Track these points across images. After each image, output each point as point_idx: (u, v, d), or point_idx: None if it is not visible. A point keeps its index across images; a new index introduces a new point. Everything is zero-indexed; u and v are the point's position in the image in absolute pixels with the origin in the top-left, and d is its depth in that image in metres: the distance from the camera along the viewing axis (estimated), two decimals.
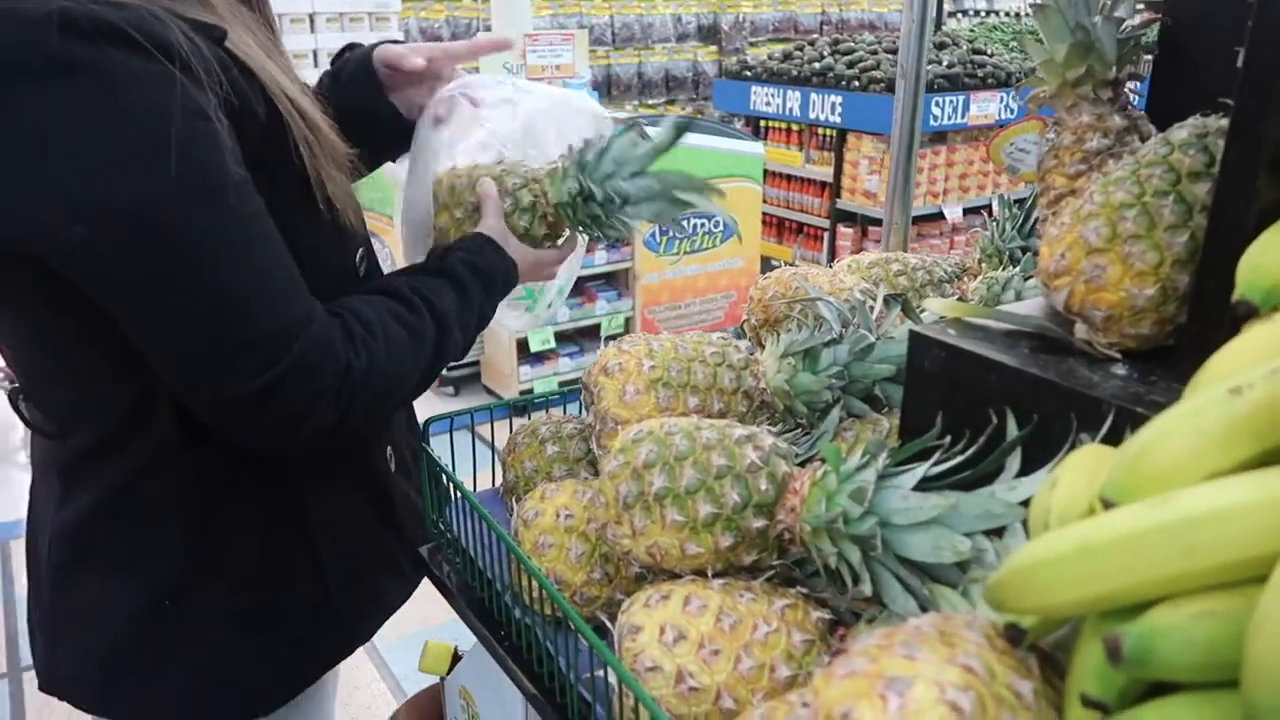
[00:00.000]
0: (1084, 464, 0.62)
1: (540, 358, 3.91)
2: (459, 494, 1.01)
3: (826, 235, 4.92)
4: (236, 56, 0.85)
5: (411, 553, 1.16)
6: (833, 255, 4.86)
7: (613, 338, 1.06)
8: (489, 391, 4.14)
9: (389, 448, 1.16)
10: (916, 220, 4.79)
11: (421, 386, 1.01)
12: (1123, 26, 0.99)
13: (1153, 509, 0.49)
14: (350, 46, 1.23)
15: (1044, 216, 1.01)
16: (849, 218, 4.88)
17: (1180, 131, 0.84)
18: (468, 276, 1.03)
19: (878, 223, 4.50)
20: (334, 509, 1.06)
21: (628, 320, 4.01)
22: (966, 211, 4.78)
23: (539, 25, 5.69)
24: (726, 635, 0.75)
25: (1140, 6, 1.05)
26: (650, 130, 1.10)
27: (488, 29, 5.16)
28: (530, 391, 3.80)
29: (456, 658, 1.22)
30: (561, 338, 3.96)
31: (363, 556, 1.09)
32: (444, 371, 4.05)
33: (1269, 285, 0.68)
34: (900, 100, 1.68)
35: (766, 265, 4.55)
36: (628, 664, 0.75)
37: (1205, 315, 0.77)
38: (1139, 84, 1.04)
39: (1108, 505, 0.53)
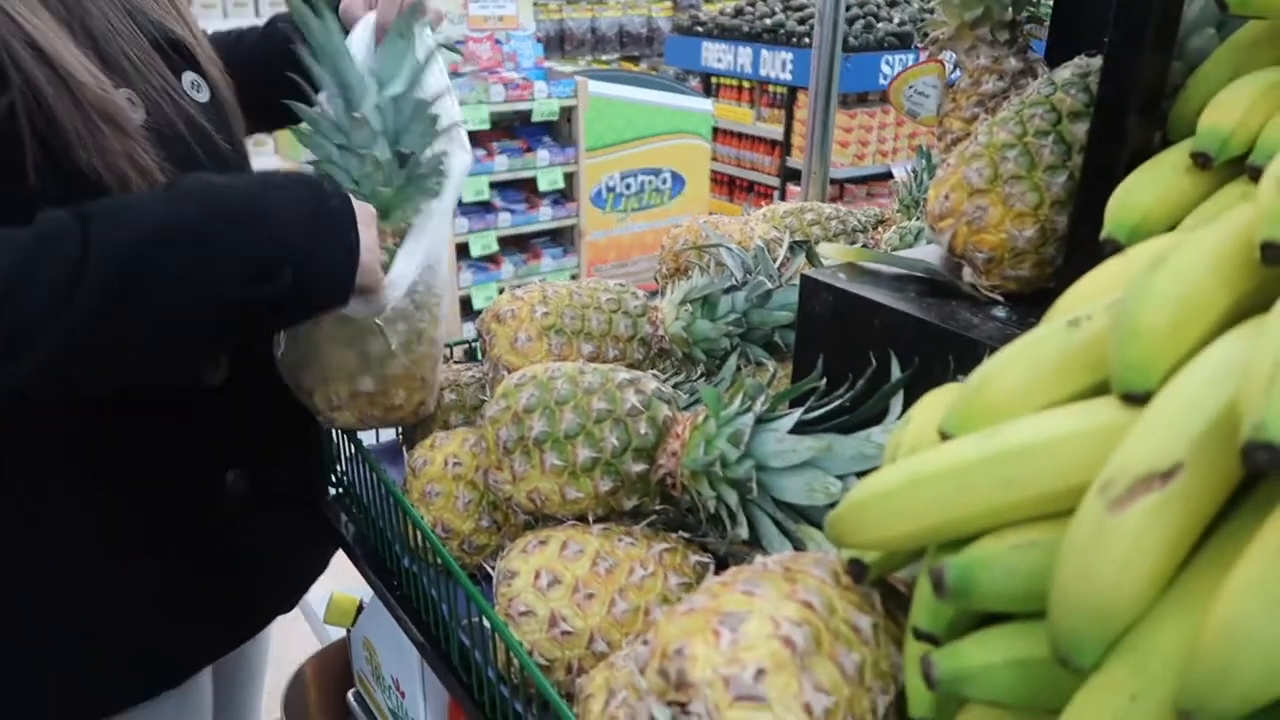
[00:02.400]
0: (939, 401, 0.62)
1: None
2: (352, 445, 1.00)
3: (777, 194, 4.90)
4: None
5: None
6: None
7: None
8: None
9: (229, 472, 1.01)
10: (866, 179, 4.79)
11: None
12: None
13: (979, 441, 0.49)
14: (278, 17, 1.11)
15: (940, 161, 1.00)
16: (798, 176, 4.86)
17: (1064, 71, 0.84)
18: (216, 192, 0.77)
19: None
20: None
21: (574, 276, 3.98)
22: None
23: None
24: (602, 579, 0.74)
25: None
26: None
27: None
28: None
29: (360, 610, 1.21)
30: None
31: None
32: None
33: (1134, 222, 0.68)
34: (818, 50, 1.67)
35: None
36: (502, 609, 0.74)
37: (1081, 256, 0.77)
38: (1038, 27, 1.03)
39: (945, 438, 0.53)
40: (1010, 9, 0.99)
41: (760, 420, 0.77)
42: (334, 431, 1.05)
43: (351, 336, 0.91)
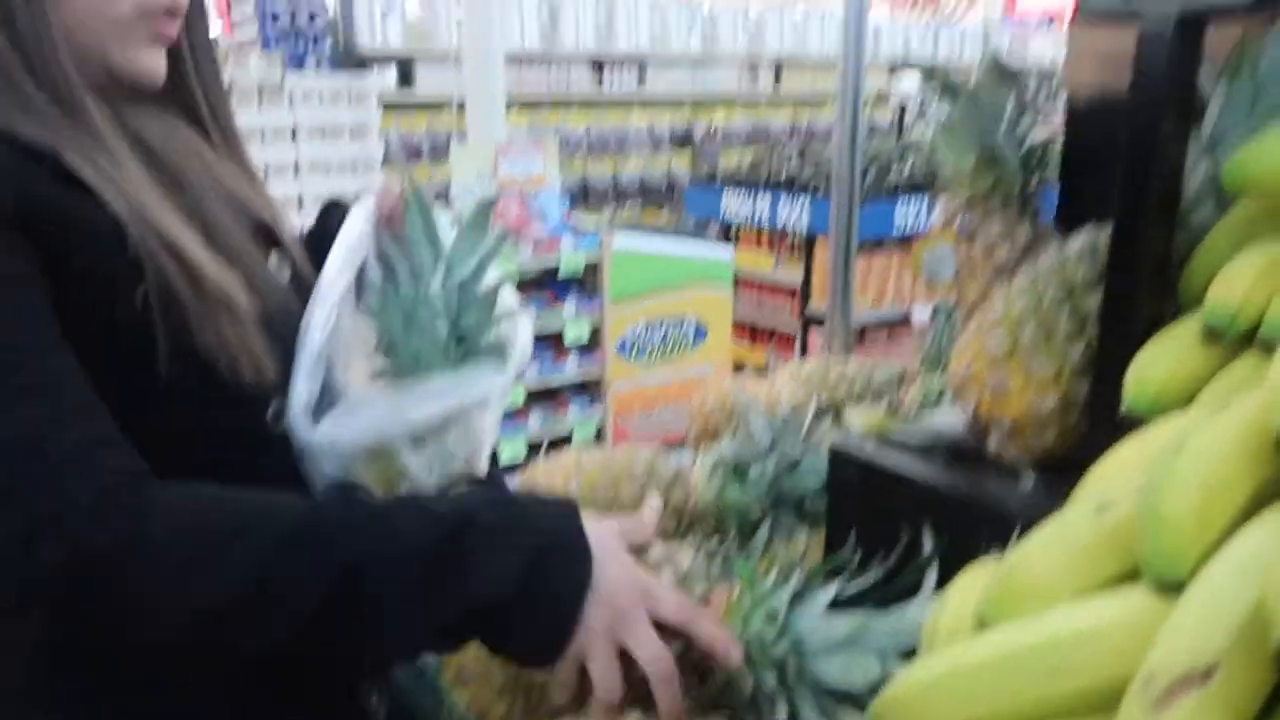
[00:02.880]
0: (974, 582, 0.62)
1: (511, 469, 3.87)
2: None
3: (798, 340, 4.97)
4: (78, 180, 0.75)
5: None
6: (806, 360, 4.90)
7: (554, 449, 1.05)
8: None
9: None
10: (888, 324, 4.85)
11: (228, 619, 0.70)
12: (1025, 142, 1.03)
13: (1017, 632, 0.50)
14: (333, 203, 1.13)
15: (961, 326, 1.03)
16: (820, 321, 4.94)
17: (1074, 244, 0.87)
18: (453, 515, 0.74)
19: None
20: None
21: (599, 430, 4.00)
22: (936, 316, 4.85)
23: (516, 136, 5.87)
24: None
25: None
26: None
27: (462, 139, 5.32)
28: None
29: None
30: (534, 448, 3.94)
31: None
32: None
33: (1153, 395, 0.70)
34: (836, 205, 1.74)
35: (741, 370, 4.58)
36: None
37: (1103, 427, 0.78)
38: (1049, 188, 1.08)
39: (982, 625, 0.53)
40: (1020, 180, 1.04)
41: (795, 597, 0.77)
42: None
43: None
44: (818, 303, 4.83)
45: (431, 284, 0.91)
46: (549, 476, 0.99)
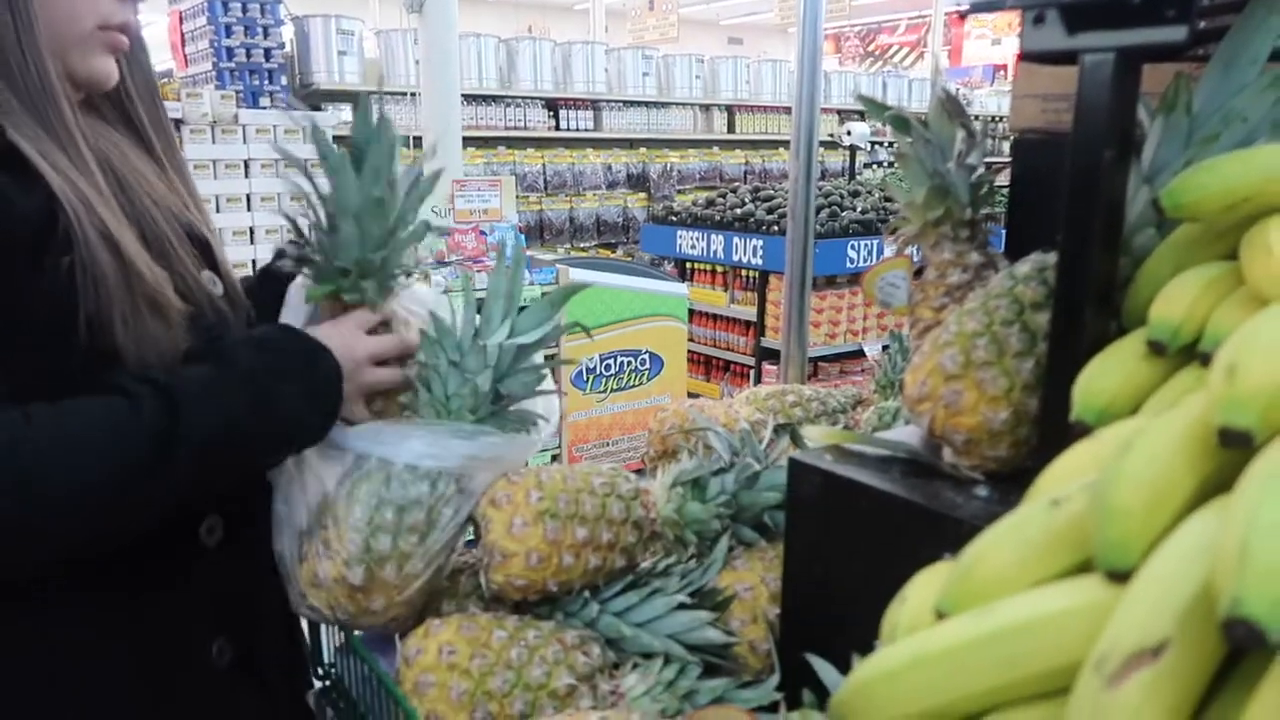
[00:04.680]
0: (932, 580, 0.64)
1: None
2: (342, 634, 0.99)
3: (753, 373, 5.02)
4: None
5: None
6: None
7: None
8: None
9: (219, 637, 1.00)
10: (839, 358, 4.93)
11: (131, 480, 0.81)
12: (975, 173, 1.08)
13: (976, 620, 0.51)
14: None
15: (914, 347, 1.06)
16: (773, 355, 5.00)
17: (1023, 266, 0.91)
18: (244, 353, 0.92)
19: None
20: None
21: (555, 457, 3.99)
22: (886, 348, 4.94)
23: (471, 173, 5.89)
24: None
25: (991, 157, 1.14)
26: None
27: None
28: None
29: None
30: None
31: None
32: None
33: (1101, 406, 0.72)
34: (791, 241, 1.78)
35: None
36: None
37: (1053, 437, 0.81)
38: (996, 225, 1.12)
39: (941, 617, 0.55)
40: (969, 209, 1.08)
41: None
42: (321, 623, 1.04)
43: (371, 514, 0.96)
44: (771, 337, 4.90)
45: (494, 336, 0.99)
46: (510, 489, 0.99)
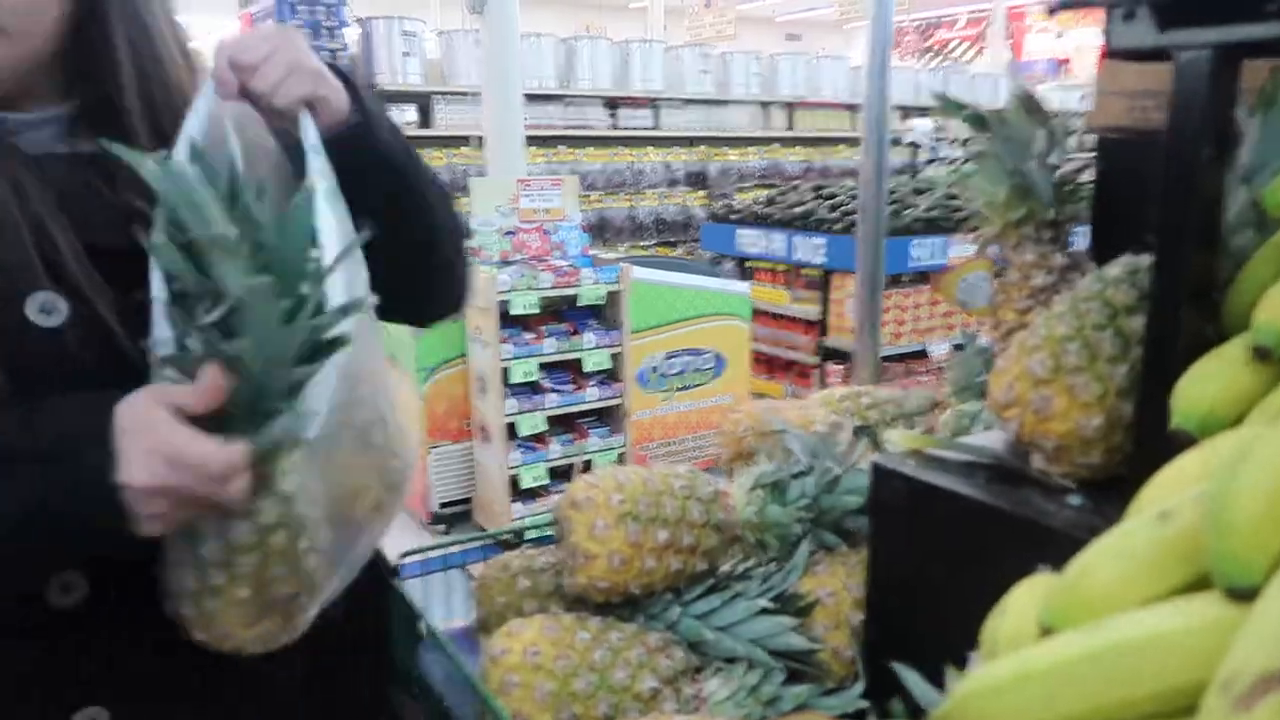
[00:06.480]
0: (1033, 593, 0.63)
1: (533, 494, 3.89)
2: (428, 633, 1.01)
3: (816, 372, 4.98)
4: None
5: None
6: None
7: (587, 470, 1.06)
8: (480, 529, 4.11)
9: None
10: (904, 358, 4.87)
11: None
12: (1057, 172, 1.05)
13: (1086, 637, 0.50)
14: None
15: (997, 350, 1.04)
16: (837, 354, 4.96)
17: (1113, 269, 0.89)
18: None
19: None
20: None
21: (620, 456, 4.01)
22: (957, 347, 4.85)
23: (533, 172, 5.94)
24: None
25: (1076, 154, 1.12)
26: None
27: (482, 174, 5.38)
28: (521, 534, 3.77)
29: None
30: (555, 474, 3.96)
31: None
32: (436, 507, 4.04)
33: (1202, 414, 0.70)
34: (862, 241, 1.76)
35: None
36: None
37: (1150, 445, 0.79)
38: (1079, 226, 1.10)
39: (1046, 632, 0.54)
40: (1052, 209, 1.06)
41: None
42: (411, 615, 1.06)
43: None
44: (835, 336, 4.85)
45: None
46: (590, 490, 0.99)
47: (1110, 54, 1.13)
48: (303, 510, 0.77)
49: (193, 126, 0.80)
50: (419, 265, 0.97)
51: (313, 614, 0.83)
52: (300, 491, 0.77)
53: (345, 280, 0.76)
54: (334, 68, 0.87)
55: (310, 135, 0.81)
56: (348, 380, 0.78)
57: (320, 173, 0.80)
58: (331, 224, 0.77)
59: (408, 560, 1.20)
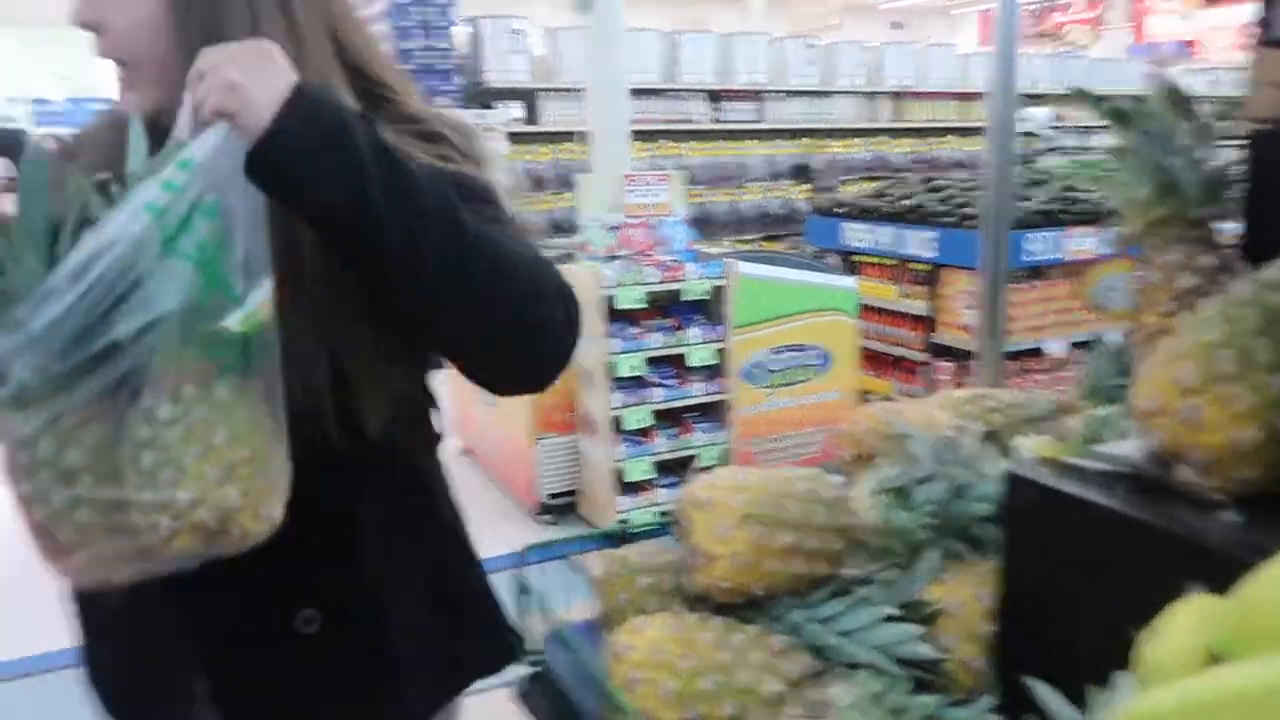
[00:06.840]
0: (1193, 615, 0.60)
1: (637, 488, 3.92)
2: (552, 625, 1.03)
3: (923, 369, 4.87)
4: None
5: None
6: (931, 389, 4.79)
7: (709, 469, 1.06)
8: (585, 522, 4.16)
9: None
10: (1018, 355, 4.70)
11: None
12: (1205, 167, 1.00)
13: (1264, 668, 0.48)
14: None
15: (1138, 355, 1.00)
16: (946, 351, 4.84)
17: (1270, 270, 0.84)
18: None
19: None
20: None
21: (725, 452, 4.01)
22: (1075, 345, 4.66)
23: (638, 167, 5.97)
24: None
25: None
26: None
27: (586, 170, 5.43)
28: (627, 522, 3.80)
29: None
30: (660, 467, 3.98)
31: None
32: (545, 498, 4.11)
33: None
34: (985, 237, 1.71)
35: (866, 398, 4.51)
36: None
37: None
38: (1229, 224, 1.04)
39: (1215, 659, 0.52)
40: (1199, 208, 1.01)
41: None
42: (537, 607, 1.08)
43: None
44: (943, 332, 4.74)
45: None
46: (711, 490, 1.00)
47: (1265, 43, 1.07)
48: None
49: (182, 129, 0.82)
50: (465, 340, 0.97)
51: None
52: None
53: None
54: (342, 120, 0.84)
55: (196, 148, 0.79)
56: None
57: (164, 182, 0.76)
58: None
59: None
